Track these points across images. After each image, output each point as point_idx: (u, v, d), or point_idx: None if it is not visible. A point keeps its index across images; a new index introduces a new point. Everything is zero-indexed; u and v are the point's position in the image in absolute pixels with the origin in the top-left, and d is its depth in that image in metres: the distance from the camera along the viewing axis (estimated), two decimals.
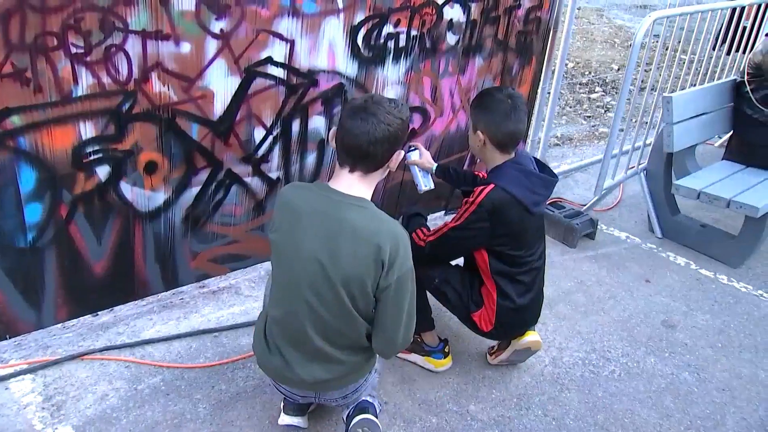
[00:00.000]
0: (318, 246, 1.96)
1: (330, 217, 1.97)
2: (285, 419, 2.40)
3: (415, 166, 2.77)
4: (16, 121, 2.21)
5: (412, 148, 2.78)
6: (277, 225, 2.06)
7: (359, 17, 2.86)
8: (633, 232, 4.23)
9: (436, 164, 2.81)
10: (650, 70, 4.64)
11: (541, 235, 2.65)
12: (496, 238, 2.48)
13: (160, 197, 2.66)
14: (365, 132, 1.92)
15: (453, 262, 2.77)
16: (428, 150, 2.85)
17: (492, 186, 2.42)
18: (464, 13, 3.25)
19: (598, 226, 4.11)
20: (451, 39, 3.27)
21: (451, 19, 3.21)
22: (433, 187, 2.79)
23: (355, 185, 2.01)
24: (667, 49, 4.66)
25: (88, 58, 2.26)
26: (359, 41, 2.92)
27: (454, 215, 2.52)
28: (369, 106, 1.95)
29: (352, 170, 2.00)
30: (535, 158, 2.60)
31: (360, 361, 2.18)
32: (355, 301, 2.01)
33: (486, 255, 2.54)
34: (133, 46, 2.33)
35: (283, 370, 2.13)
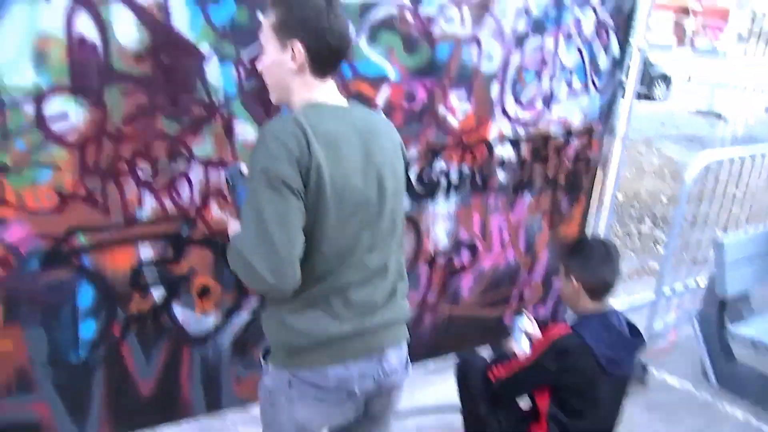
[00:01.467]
0: (378, 167, 1.83)
1: (364, 132, 1.82)
2: None
3: (521, 332, 2.79)
4: (82, 240, 2.32)
5: (521, 314, 2.83)
6: (318, 161, 1.69)
7: (413, 154, 2.96)
8: (686, 378, 4.05)
9: None
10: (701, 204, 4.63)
11: (617, 406, 2.53)
12: (561, 383, 2.42)
13: (211, 321, 2.69)
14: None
15: None
16: (477, 286, 2.85)
17: (569, 330, 2.40)
18: (515, 151, 3.34)
19: (649, 371, 3.96)
20: (501, 176, 3.34)
21: (502, 157, 3.30)
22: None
23: (335, 91, 1.89)
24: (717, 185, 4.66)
25: (154, 184, 2.39)
26: (412, 177, 3.00)
27: (527, 354, 2.51)
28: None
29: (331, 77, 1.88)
30: (628, 321, 2.55)
31: (408, 309, 2.05)
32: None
33: (547, 397, 2.47)
34: (197, 173, 2.46)
35: (356, 335, 1.90)
